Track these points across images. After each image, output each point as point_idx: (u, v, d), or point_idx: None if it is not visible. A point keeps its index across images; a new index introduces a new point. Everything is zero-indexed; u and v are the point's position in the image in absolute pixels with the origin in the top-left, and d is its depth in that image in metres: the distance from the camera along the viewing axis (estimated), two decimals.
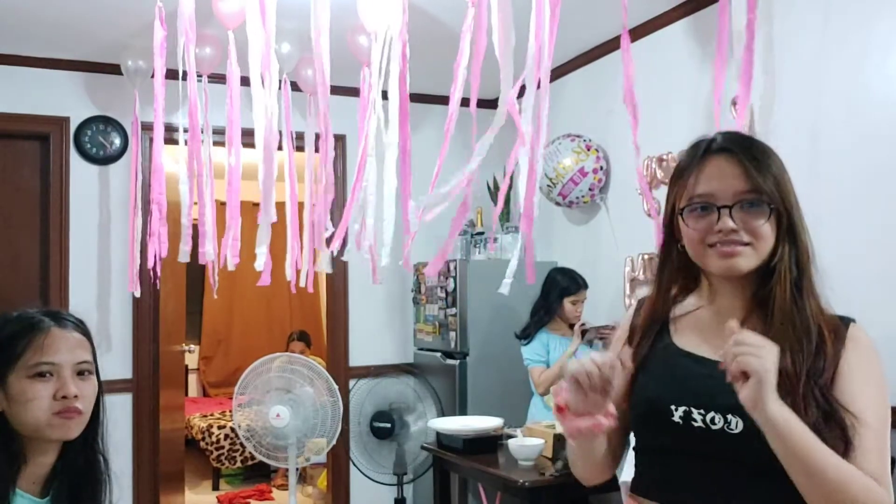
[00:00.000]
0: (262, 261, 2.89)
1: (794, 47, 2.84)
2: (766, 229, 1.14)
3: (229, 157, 3.01)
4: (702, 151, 1.20)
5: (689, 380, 1.18)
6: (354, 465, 3.72)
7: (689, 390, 1.16)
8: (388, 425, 3.64)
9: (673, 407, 1.16)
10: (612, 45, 3.76)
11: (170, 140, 3.73)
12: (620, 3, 3.27)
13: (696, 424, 1.13)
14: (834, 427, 1.07)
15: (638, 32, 3.56)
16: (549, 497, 2.40)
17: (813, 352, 1.12)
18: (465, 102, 2.46)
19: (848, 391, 1.11)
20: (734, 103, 3.04)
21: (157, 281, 3.86)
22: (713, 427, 1.12)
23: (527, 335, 3.52)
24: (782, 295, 1.15)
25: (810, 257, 1.18)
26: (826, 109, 2.71)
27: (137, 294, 3.65)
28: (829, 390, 1.11)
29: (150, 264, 3.57)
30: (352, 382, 4.27)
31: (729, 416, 1.10)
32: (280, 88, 3.41)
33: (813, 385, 1.10)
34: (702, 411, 1.13)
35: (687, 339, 1.24)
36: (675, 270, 1.27)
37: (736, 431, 1.10)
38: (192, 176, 3.11)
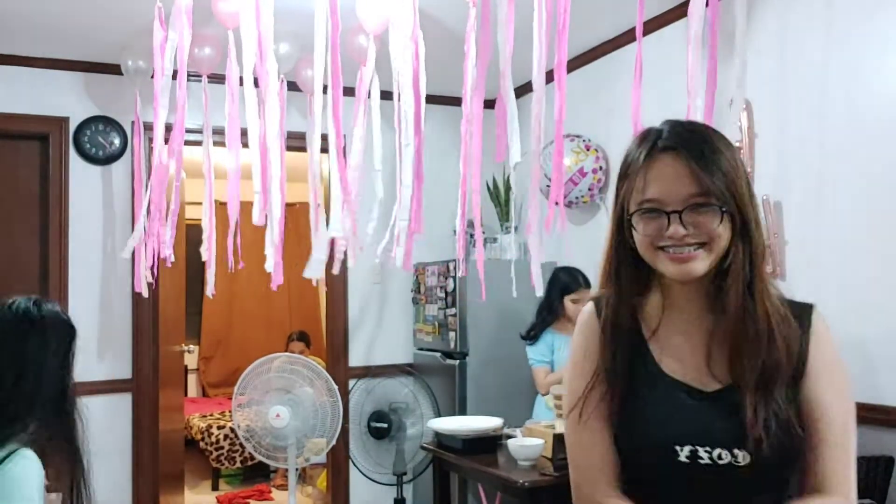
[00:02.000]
0: (271, 262, 2.88)
1: (796, 46, 2.84)
2: (719, 229, 1.10)
3: (229, 157, 3.01)
4: (647, 149, 1.14)
5: (690, 416, 1.13)
6: (354, 465, 3.72)
7: (692, 429, 1.12)
8: (387, 425, 3.64)
9: (678, 447, 1.11)
10: (611, 45, 3.76)
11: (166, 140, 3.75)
12: (620, 3, 3.28)
13: (702, 462, 1.10)
14: (789, 435, 1.08)
15: (632, 35, 3.56)
16: (549, 497, 2.40)
17: (764, 355, 1.10)
18: (458, 102, 2.47)
19: (812, 397, 1.12)
20: (734, 103, 3.05)
21: (157, 281, 3.86)
22: (720, 462, 1.09)
23: (532, 335, 3.52)
24: (735, 297, 1.12)
25: (763, 255, 1.14)
26: (827, 108, 2.71)
27: (145, 294, 3.65)
28: (784, 396, 1.10)
29: (150, 264, 3.56)
30: (351, 382, 4.27)
31: (735, 451, 1.09)
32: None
33: (766, 391, 1.09)
34: (707, 448, 1.10)
35: (670, 361, 1.17)
36: (632, 272, 1.19)
37: (744, 464, 1.08)
38: (179, 177, 3.11)
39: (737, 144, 3.02)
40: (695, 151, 1.11)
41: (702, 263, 1.11)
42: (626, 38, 3.65)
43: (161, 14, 2.79)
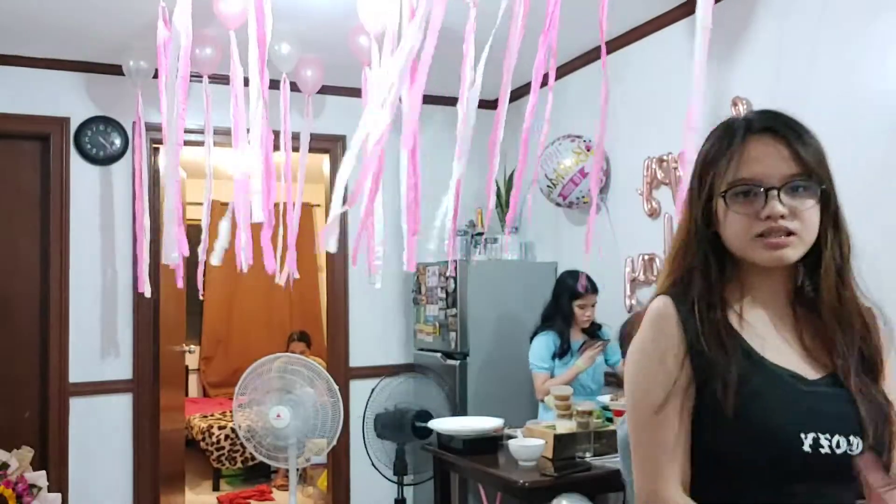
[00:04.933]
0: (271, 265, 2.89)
1: (794, 48, 2.84)
2: (813, 215, 1.09)
3: (235, 156, 3.02)
4: (743, 131, 1.12)
5: (808, 404, 1.09)
6: (372, 461, 3.70)
7: (814, 416, 1.08)
8: (387, 426, 3.63)
9: (802, 435, 1.06)
10: (612, 46, 3.75)
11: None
12: (621, 4, 3.27)
13: (823, 451, 1.07)
14: (888, 423, 1.09)
15: (638, 33, 3.57)
16: (549, 497, 2.40)
17: (858, 345, 1.12)
18: (454, 102, 2.48)
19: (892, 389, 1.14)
20: (734, 103, 3.05)
21: (158, 281, 3.86)
22: (837, 451, 1.07)
23: (539, 331, 3.52)
24: (828, 287, 1.13)
25: (850, 244, 1.14)
26: (823, 109, 2.71)
27: (148, 294, 3.65)
28: (879, 387, 1.13)
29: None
30: (354, 382, 4.27)
31: (851, 438, 1.07)
32: (280, 89, 3.43)
33: (867, 379, 1.11)
34: (827, 436, 1.07)
35: (774, 352, 1.12)
36: (718, 262, 1.14)
37: (857, 452, 1.07)
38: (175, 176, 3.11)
39: None
40: (793, 133, 1.11)
41: (795, 251, 1.09)
42: (627, 38, 3.64)
43: (165, 14, 2.79)
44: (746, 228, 1.09)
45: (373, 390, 3.82)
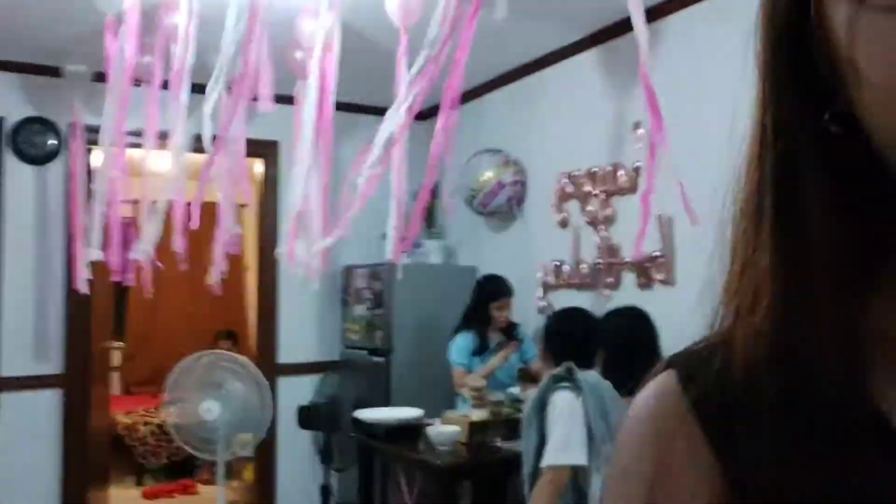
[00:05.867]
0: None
1: (689, 76, 3.22)
2: None
3: (172, 160, 3.19)
4: None
5: None
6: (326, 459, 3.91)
7: None
8: (317, 417, 3.85)
9: None
10: (531, 67, 4.08)
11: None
12: (537, 32, 3.61)
13: None
14: None
15: (552, 58, 3.90)
16: (463, 475, 2.68)
17: None
18: (383, 112, 2.76)
19: None
20: (636, 126, 3.42)
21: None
22: None
23: (459, 330, 3.79)
24: None
25: None
26: (714, 131, 3.07)
27: (84, 290, 3.75)
28: None
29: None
30: (282, 378, 4.46)
31: None
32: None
33: None
34: None
35: None
36: (826, 200, 0.38)
37: None
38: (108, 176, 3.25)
39: (635, 165, 3.40)
40: None
41: None
42: (544, 62, 3.98)
43: (112, 25, 2.94)
44: None
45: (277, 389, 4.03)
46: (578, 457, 2.32)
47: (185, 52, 2.90)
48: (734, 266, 0.42)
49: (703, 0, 3.12)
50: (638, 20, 2.38)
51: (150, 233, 3.39)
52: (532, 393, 2.87)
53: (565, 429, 2.33)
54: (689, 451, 0.41)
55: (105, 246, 3.54)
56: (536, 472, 2.37)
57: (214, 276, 3.56)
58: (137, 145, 3.57)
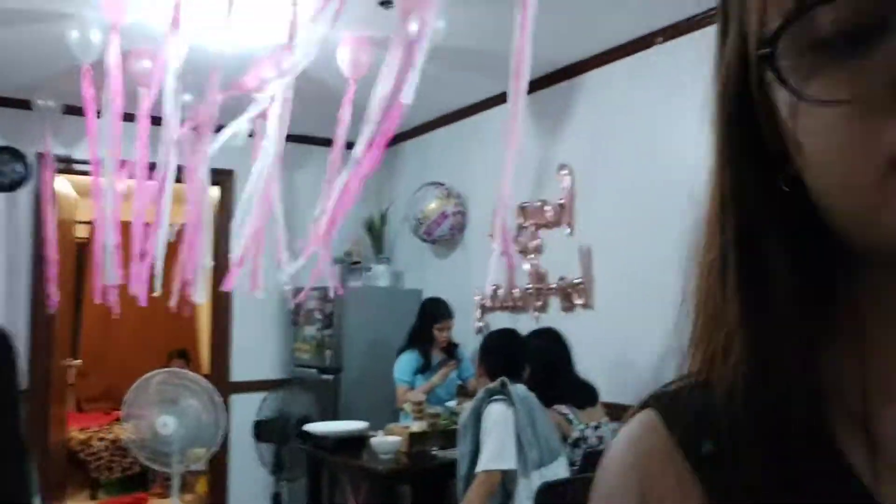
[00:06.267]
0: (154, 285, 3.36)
1: (603, 124, 3.62)
2: None
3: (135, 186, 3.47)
4: None
5: None
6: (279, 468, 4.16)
7: None
8: (270, 431, 4.12)
9: None
10: (471, 110, 4.46)
11: (69, 171, 4.16)
12: (479, 76, 3.99)
13: None
14: None
15: (489, 103, 4.29)
16: (403, 480, 3.00)
17: None
18: (348, 146, 3.09)
19: None
20: (560, 168, 3.81)
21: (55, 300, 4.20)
22: None
23: (404, 349, 4.10)
24: None
25: None
26: (628, 171, 3.46)
27: (53, 310, 3.96)
28: None
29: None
30: (235, 396, 4.72)
31: None
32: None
33: None
34: None
35: None
36: (790, 258, 0.41)
37: None
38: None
39: (560, 202, 3.79)
40: None
41: None
42: (482, 106, 4.36)
43: (88, 74, 3.21)
44: (864, 145, 0.34)
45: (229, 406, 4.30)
46: (509, 462, 2.62)
47: (167, 93, 3.17)
48: (699, 319, 0.43)
49: (617, 61, 3.53)
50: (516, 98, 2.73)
51: (115, 256, 3.66)
52: (468, 405, 3.21)
53: (499, 437, 2.62)
54: (678, 488, 0.42)
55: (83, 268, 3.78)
56: (471, 476, 2.68)
57: (174, 299, 3.82)
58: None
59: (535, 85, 3.90)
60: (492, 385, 2.76)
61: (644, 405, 0.47)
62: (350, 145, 3.17)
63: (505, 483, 2.72)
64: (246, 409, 4.64)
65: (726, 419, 0.40)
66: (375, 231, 4.98)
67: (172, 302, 3.81)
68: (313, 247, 3.23)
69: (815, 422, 0.39)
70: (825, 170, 0.36)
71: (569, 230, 3.75)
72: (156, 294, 3.35)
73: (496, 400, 2.71)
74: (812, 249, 0.40)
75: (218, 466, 4.81)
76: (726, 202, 0.42)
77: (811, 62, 0.35)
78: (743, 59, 0.39)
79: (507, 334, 3.11)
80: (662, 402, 0.46)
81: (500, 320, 4.08)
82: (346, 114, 3.20)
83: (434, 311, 4.10)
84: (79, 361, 5.74)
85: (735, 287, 0.41)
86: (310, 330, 4.78)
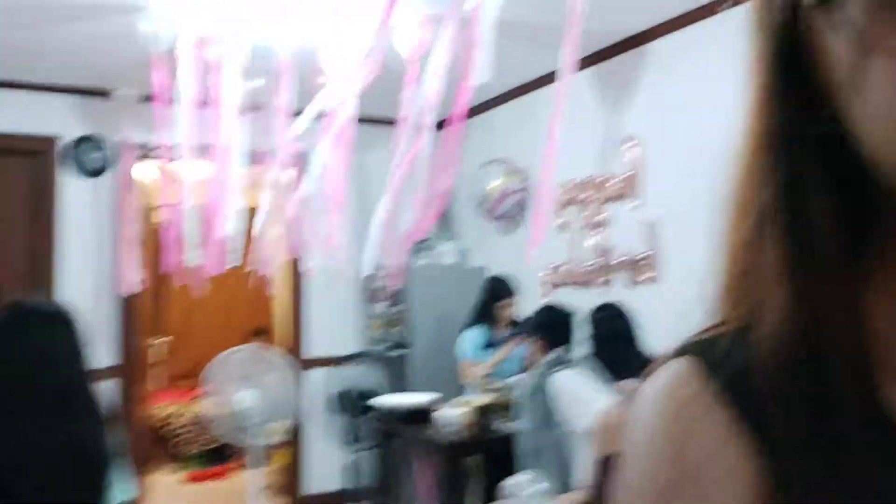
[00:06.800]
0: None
1: (671, 94, 3.55)
2: None
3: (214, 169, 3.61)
4: None
5: None
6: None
7: None
8: (345, 404, 4.25)
9: None
10: (534, 84, 4.44)
11: (148, 157, 4.37)
12: (540, 50, 3.96)
13: None
14: None
15: (552, 78, 4.25)
16: (468, 452, 3.06)
17: None
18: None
19: None
20: (625, 140, 3.76)
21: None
22: None
23: (468, 326, 4.15)
24: None
25: None
26: (697, 146, 3.40)
27: (136, 290, 4.17)
28: None
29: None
30: (311, 370, 4.87)
31: None
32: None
33: None
34: None
35: None
36: (834, 216, 0.40)
37: None
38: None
39: (625, 175, 3.75)
40: None
41: None
42: (545, 80, 4.33)
43: (160, 61, 3.36)
44: None
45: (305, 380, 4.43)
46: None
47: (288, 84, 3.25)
48: (734, 267, 0.43)
49: (684, 28, 3.45)
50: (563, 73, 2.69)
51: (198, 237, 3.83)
52: (523, 378, 3.23)
53: (577, 396, 2.60)
54: (719, 436, 0.40)
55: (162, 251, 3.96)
56: (538, 448, 2.68)
57: (257, 278, 3.95)
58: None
59: (600, 55, 3.87)
60: (549, 357, 2.78)
61: (677, 354, 0.45)
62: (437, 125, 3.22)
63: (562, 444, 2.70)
64: (320, 384, 4.78)
65: (771, 368, 0.40)
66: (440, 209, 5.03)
67: (250, 282, 3.98)
68: (420, 229, 3.30)
69: (861, 370, 0.39)
70: (886, 122, 0.35)
71: (635, 203, 3.71)
72: (233, 267, 3.47)
73: (560, 369, 2.72)
74: (847, 199, 0.40)
75: (295, 439, 4.98)
76: (765, 146, 0.41)
77: (891, 14, 0.34)
78: (791, 2, 0.39)
79: (558, 308, 3.13)
80: (699, 350, 0.44)
81: (564, 296, 4.08)
82: (408, 94, 3.24)
83: (496, 290, 4.14)
84: (168, 338, 6.01)
85: (778, 234, 0.41)
86: (380, 307, 4.89)
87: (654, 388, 0.45)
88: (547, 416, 2.73)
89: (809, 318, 0.39)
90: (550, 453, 2.71)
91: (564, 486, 2.60)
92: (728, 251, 0.44)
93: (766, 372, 0.40)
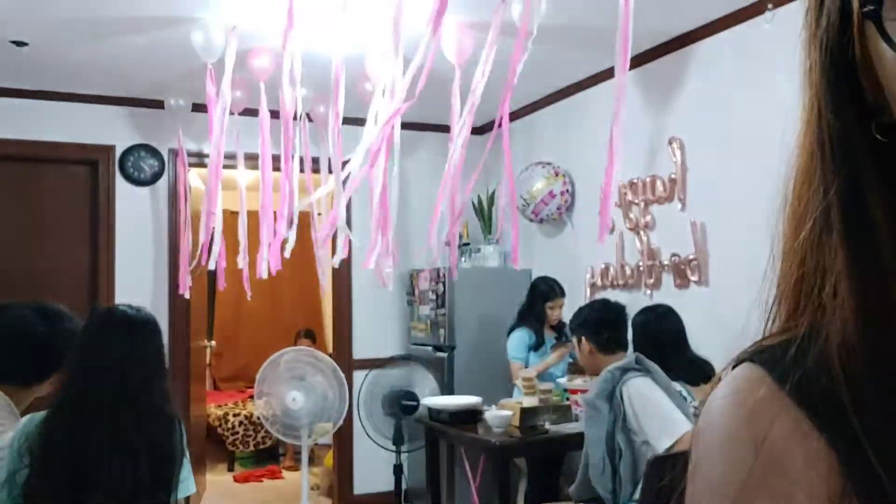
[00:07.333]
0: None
1: (718, 95, 3.53)
2: None
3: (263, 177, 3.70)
4: None
5: None
6: (367, 435, 4.38)
7: None
8: (392, 405, 4.31)
9: None
10: (577, 87, 4.45)
11: (200, 164, 4.49)
12: (583, 53, 3.97)
13: None
14: None
15: (594, 80, 4.26)
16: (515, 453, 3.09)
17: None
18: (447, 129, 3.16)
19: None
20: (670, 142, 3.75)
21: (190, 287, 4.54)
22: None
23: (514, 328, 4.18)
24: None
25: None
26: (738, 146, 3.38)
27: (187, 295, 4.30)
28: None
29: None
30: (357, 372, 4.95)
31: None
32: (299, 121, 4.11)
33: None
34: None
35: None
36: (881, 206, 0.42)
37: None
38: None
39: (671, 176, 3.74)
40: None
41: None
42: (585, 84, 4.34)
43: (212, 73, 3.46)
44: None
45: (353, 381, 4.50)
46: (683, 427, 2.49)
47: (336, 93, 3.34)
48: (793, 272, 0.44)
49: (728, 29, 3.43)
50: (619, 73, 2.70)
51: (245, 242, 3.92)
52: (586, 382, 3.20)
53: (658, 412, 2.54)
54: (795, 434, 0.41)
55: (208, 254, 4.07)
56: (612, 456, 2.59)
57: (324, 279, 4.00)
58: (232, 166, 4.10)
59: (644, 57, 3.86)
60: (623, 362, 2.68)
61: (741, 361, 0.46)
62: (477, 130, 3.24)
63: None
64: (367, 385, 4.85)
65: (843, 368, 0.41)
66: (484, 212, 5.06)
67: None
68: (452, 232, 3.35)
69: None
70: None
71: (681, 205, 3.69)
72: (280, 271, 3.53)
73: (634, 376, 2.62)
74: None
75: (344, 439, 5.06)
76: (827, 153, 0.42)
77: None
78: (844, 11, 0.41)
79: (605, 304, 3.07)
80: (765, 356, 0.45)
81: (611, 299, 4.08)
82: (455, 98, 3.28)
83: (546, 289, 4.16)
84: (213, 343, 6.15)
85: (840, 238, 0.41)
86: (424, 309, 4.94)
87: (725, 393, 0.46)
88: (620, 424, 2.62)
89: (879, 318, 0.40)
90: (625, 461, 2.60)
91: (632, 494, 2.56)
92: (786, 256, 0.45)
93: (835, 372, 0.41)
